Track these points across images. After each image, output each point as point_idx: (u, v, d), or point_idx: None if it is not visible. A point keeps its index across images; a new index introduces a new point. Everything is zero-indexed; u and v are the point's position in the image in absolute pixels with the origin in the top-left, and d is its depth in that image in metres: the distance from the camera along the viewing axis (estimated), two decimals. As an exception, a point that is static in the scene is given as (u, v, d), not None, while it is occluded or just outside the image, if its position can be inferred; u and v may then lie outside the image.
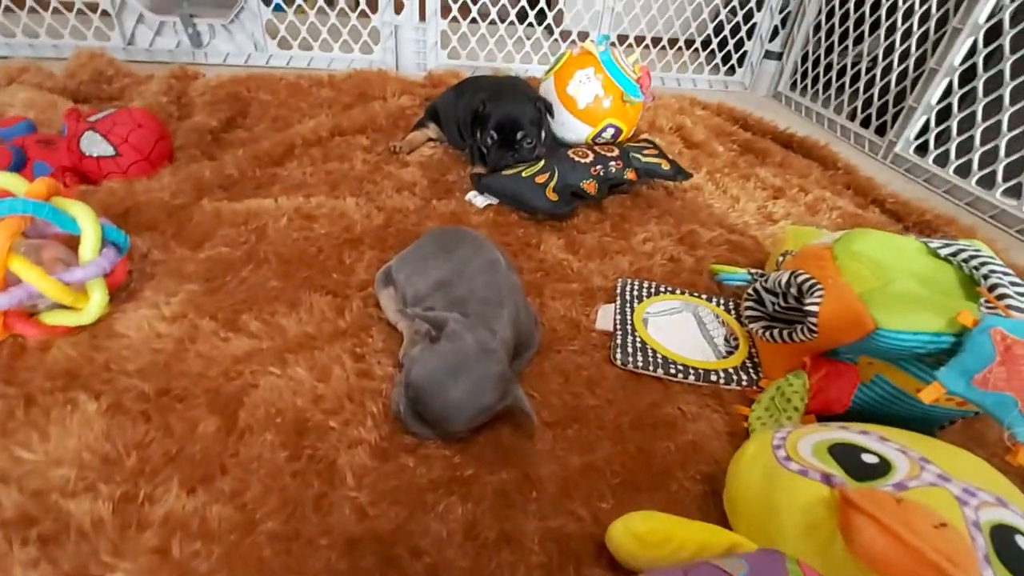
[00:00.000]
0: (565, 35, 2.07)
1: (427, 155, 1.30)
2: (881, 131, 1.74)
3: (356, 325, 0.76)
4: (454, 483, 0.57)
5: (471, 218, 1.06)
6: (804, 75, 2.09)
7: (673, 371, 0.74)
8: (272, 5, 1.76)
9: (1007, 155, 1.37)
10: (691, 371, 0.74)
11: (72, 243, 0.70)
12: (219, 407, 0.62)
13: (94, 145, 0.99)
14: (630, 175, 1.19)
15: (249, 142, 1.21)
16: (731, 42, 2.18)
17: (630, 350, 0.76)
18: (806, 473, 0.48)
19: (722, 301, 0.89)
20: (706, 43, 2.19)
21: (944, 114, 1.53)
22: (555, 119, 1.31)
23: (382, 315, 0.78)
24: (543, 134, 1.23)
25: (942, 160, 1.53)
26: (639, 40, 2.10)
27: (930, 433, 0.67)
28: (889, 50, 1.68)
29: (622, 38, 2.14)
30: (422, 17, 1.85)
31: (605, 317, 0.83)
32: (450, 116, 1.34)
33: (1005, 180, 1.37)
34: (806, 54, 2.08)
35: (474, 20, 1.91)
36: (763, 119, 1.71)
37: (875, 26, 1.74)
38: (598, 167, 1.16)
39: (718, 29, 2.17)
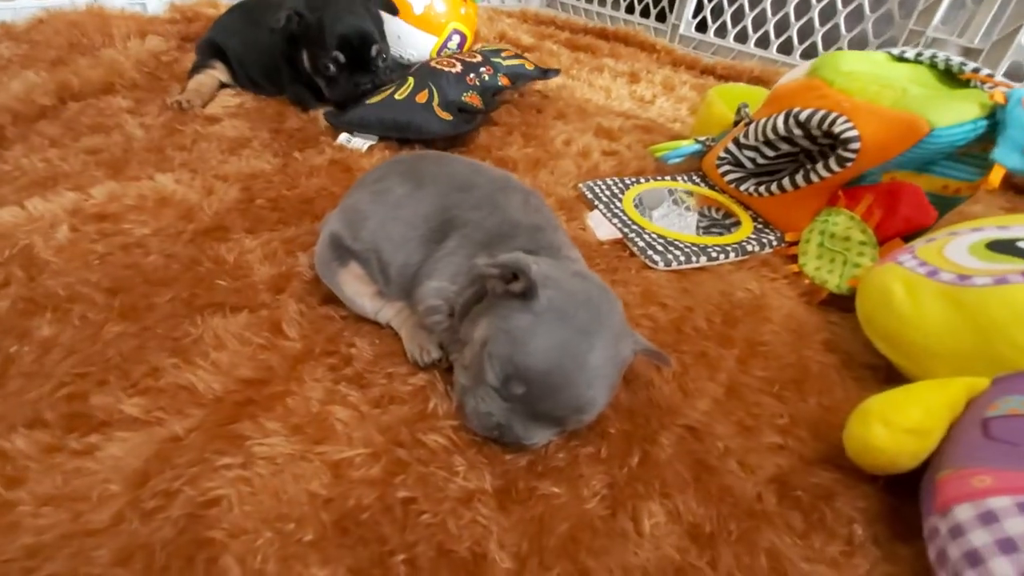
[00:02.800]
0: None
1: (236, 103, 0.92)
2: (661, 18, 1.85)
3: (318, 337, 0.47)
4: (635, 483, 0.38)
5: (361, 162, 0.77)
6: (572, -22, 2.12)
7: (715, 255, 0.64)
8: None
9: (773, 15, 1.57)
10: (729, 249, 0.65)
11: None
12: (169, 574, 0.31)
13: None
14: (503, 80, 1.02)
15: (-98, 131, 0.68)
16: (496, -48, 2.08)
17: (660, 249, 0.63)
18: (1006, 280, 0.42)
19: (685, 178, 0.81)
20: (472, -45, 2.04)
21: (713, -10, 1.68)
22: (391, 32, 1.05)
23: (343, 312, 0.50)
24: (387, 44, 0.96)
25: (721, 32, 1.70)
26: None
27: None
28: (649, -62, 1.77)
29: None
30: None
31: (600, 226, 0.68)
32: (247, 51, 0.96)
33: (776, 38, 1.58)
34: (569, -43, 2.10)
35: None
36: (569, 19, 1.68)
37: (629, -83, 1.81)
38: (471, 75, 0.96)
39: (480, -62, 2.04)
